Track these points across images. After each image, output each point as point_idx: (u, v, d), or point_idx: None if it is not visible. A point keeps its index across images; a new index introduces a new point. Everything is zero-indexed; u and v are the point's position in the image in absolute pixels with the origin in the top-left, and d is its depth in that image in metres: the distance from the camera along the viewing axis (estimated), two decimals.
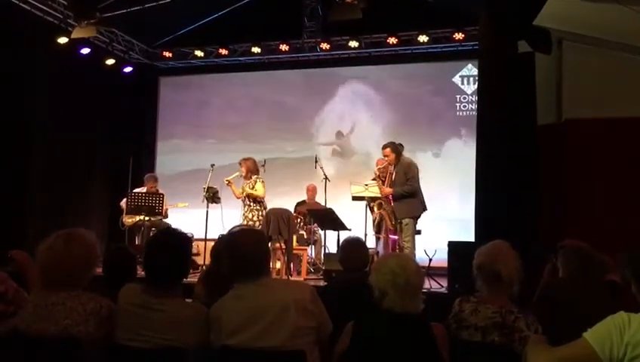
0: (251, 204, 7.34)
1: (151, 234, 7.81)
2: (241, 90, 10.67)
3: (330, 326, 2.57)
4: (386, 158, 6.88)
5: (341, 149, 10.03)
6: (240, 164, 7.50)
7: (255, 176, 7.39)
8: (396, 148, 6.85)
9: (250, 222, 7.23)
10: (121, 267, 3.27)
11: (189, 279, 3.14)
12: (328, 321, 2.57)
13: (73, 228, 2.56)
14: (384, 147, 6.92)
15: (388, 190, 6.82)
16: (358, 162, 9.65)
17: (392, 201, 6.85)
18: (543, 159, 5.71)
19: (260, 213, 7.30)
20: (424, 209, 6.82)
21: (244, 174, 7.42)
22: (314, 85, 10.34)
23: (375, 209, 7.06)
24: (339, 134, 10.05)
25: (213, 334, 2.45)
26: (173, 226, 4.58)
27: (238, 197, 7.45)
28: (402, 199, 6.71)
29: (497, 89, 5.70)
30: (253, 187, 7.32)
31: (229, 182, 7.43)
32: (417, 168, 6.80)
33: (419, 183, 6.76)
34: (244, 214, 7.37)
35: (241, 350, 2.35)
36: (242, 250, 2.51)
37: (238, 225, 3.26)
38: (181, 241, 2.60)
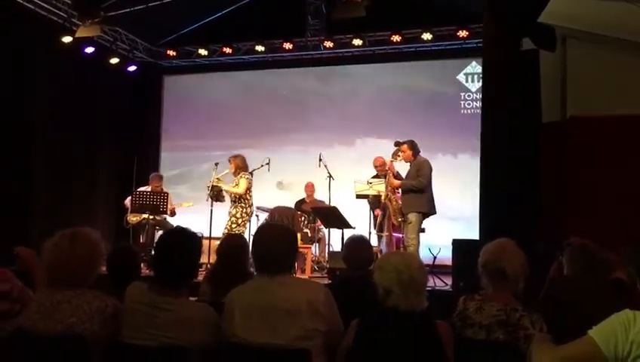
0: (235, 200, 7.34)
1: (156, 233, 7.84)
2: (244, 88, 10.67)
3: (341, 331, 2.54)
4: (402, 154, 6.86)
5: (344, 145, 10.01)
6: (229, 161, 7.51)
7: (242, 172, 7.38)
8: (413, 146, 6.84)
9: (233, 218, 7.25)
10: (125, 266, 3.28)
11: None
12: (340, 327, 2.55)
13: (78, 227, 2.57)
14: (402, 143, 6.91)
15: (397, 182, 6.82)
16: (357, 158, 9.65)
17: (399, 197, 6.85)
18: (548, 156, 5.70)
19: (244, 211, 7.29)
20: (432, 211, 6.78)
21: (232, 171, 7.43)
22: (318, 83, 10.33)
23: (382, 198, 7.05)
24: (342, 131, 10.02)
25: (225, 322, 2.46)
26: (178, 225, 4.57)
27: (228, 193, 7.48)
28: (410, 193, 6.70)
29: (502, 86, 5.69)
30: (237, 184, 7.33)
31: (219, 179, 7.46)
32: (431, 168, 6.76)
33: (430, 183, 6.73)
34: (229, 211, 7.39)
35: (248, 345, 2.35)
36: (267, 244, 2.54)
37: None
38: (191, 241, 2.59)
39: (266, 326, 2.36)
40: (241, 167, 7.40)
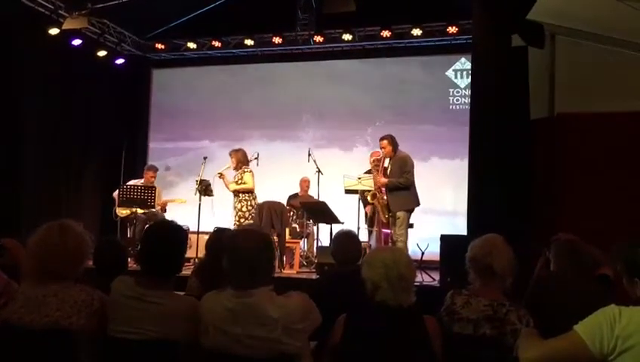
0: (240, 195, 7.34)
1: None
2: (234, 82, 10.62)
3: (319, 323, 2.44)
4: (383, 150, 6.88)
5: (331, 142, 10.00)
6: (230, 155, 7.51)
7: (244, 166, 7.39)
8: (393, 141, 6.86)
9: (240, 213, 7.25)
10: (111, 259, 3.25)
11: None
12: (318, 321, 2.43)
13: (64, 220, 2.54)
14: (382, 138, 6.92)
15: (383, 180, 6.82)
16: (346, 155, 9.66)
17: (385, 193, 6.85)
18: (536, 153, 5.74)
19: (250, 204, 7.30)
20: (417, 204, 6.84)
21: (234, 165, 7.41)
22: (307, 78, 10.30)
23: (369, 199, 7.04)
24: (332, 127, 10.01)
25: (200, 329, 2.37)
26: (168, 219, 4.54)
27: (230, 190, 7.44)
28: (397, 191, 6.72)
29: (490, 83, 5.70)
30: (241, 178, 7.32)
31: (221, 174, 7.42)
32: (413, 163, 6.81)
33: (414, 178, 6.77)
34: (234, 205, 7.37)
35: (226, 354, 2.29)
36: (242, 254, 2.31)
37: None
38: (178, 234, 2.57)
39: (242, 346, 2.25)
40: (242, 161, 7.41)
